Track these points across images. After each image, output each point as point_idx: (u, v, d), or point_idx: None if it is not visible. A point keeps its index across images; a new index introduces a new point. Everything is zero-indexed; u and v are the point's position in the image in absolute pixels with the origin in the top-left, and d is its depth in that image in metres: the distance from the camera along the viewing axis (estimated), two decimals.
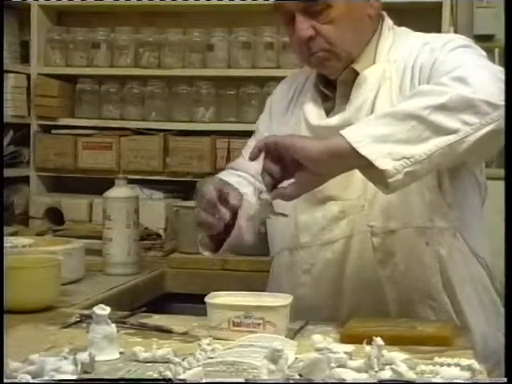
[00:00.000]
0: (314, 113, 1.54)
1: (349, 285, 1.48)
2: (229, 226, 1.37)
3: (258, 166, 1.38)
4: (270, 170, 1.31)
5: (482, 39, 2.90)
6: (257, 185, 1.49)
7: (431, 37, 1.54)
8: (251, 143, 1.66)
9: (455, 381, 0.98)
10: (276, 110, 1.66)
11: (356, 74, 1.51)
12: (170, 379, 0.94)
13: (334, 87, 1.54)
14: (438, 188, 1.46)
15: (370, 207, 1.45)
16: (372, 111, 1.46)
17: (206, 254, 1.46)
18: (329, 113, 1.53)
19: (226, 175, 1.60)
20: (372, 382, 0.95)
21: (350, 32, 1.49)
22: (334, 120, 1.50)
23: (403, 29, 1.59)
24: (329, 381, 0.96)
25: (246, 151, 1.64)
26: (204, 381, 0.94)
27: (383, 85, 1.49)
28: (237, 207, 1.31)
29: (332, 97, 1.55)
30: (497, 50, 2.91)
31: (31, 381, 0.95)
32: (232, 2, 2.86)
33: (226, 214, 1.31)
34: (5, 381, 0.93)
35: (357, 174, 1.37)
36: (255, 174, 1.50)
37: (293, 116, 1.60)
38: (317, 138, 1.35)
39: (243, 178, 1.56)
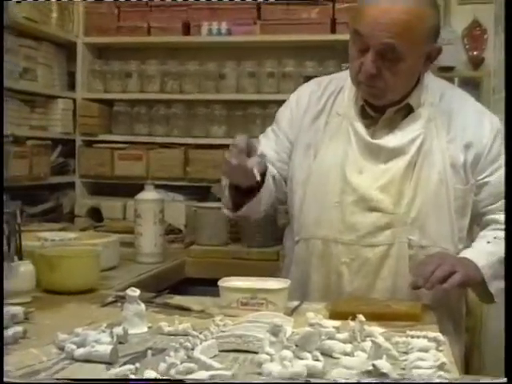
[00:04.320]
0: (363, 130, 1.48)
1: (382, 283, 1.45)
2: (251, 191, 1.39)
3: (273, 153, 1.56)
4: (429, 273, 1.33)
5: (445, 70, 2.89)
6: (270, 169, 1.54)
7: (451, 89, 1.58)
8: (268, 132, 1.62)
9: (455, 381, 0.91)
10: (303, 115, 1.56)
11: (406, 106, 1.48)
12: (169, 379, 0.86)
13: (375, 109, 1.49)
14: (465, 219, 1.48)
15: (412, 223, 1.44)
16: (421, 144, 1.45)
17: (227, 213, 1.48)
18: (367, 128, 1.48)
19: None
20: (375, 382, 0.87)
21: (406, 83, 1.45)
22: (392, 142, 1.46)
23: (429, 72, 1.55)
24: (339, 380, 0.88)
25: (264, 138, 1.61)
26: (210, 381, 0.87)
27: (429, 124, 1.47)
28: (262, 166, 1.34)
29: (373, 116, 1.49)
30: (456, 79, 2.91)
31: (31, 381, 0.89)
32: (240, 39, 2.86)
33: (251, 162, 1.32)
34: (5, 380, 0.87)
35: (407, 195, 1.43)
36: (271, 160, 1.55)
37: (328, 125, 1.52)
38: (466, 265, 1.39)
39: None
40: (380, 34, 1.35)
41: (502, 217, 1.46)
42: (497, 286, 1.42)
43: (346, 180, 1.46)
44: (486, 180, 1.48)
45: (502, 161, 1.48)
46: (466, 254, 1.43)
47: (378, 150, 1.47)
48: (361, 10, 1.39)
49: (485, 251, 1.43)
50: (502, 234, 1.44)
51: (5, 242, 1.42)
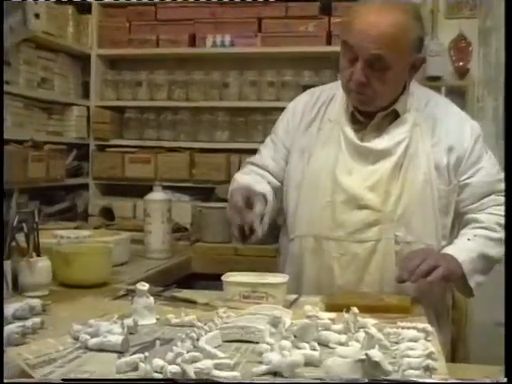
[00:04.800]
0: (352, 134, 1.48)
1: (370, 277, 1.45)
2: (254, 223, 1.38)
3: (272, 163, 1.57)
4: (414, 267, 1.33)
5: (433, 79, 2.89)
6: (270, 179, 1.56)
7: (435, 96, 1.56)
8: (268, 141, 1.63)
9: (455, 381, 0.86)
10: (298, 122, 1.56)
11: (393, 111, 1.48)
12: (171, 379, 0.84)
13: (364, 115, 1.48)
14: (448, 218, 1.49)
15: (398, 221, 1.44)
16: (407, 147, 1.46)
17: (239, 245, 1.48)
18: (356, 133, 1.48)
19: (247, 172, 1.60)
20: (387, 382, 0.82)
21: (393, 90, 1.45)
22: (379, 145, 1.46)
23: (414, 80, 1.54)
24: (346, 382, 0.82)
25: (264, 148, 1.62)
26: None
27: (414, 129, 1.47)
28: (261, 211, 1.34)
29: (362, 122, 1.49)
30: (443, 88, 2.92)
31: (31, 381, 0.86)
32: (242, 51, 2.86)
33: (251, 218, 1.33)
34: (5, 381, 0.84)
35: (393, 194, 1.43)
36: (270, 169, 1.58)
37: (321, 131, 1.53)
38: (448, 260, 1.39)
39: (261, 176, 1.57)
40: (368, 45, 1.35)
41: (481, 216, 1.47)
42: (476, 280, 1.43)
43: (337, 181, 1.47)
44: (467, 181, 1.49)
45: (482, 163, 1.49)
46: (448, 250, 1.43)
47: (366, 153, 1.47)
48: (350, 23, 1.40)
49: (465, 248, 1.44)
50: (481, 231, 1.46)
51: (24, 239, 1.42)
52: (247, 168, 1.64)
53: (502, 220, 1.44)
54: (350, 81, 1.41)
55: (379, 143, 1.47)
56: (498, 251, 1.44)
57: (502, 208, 1.45)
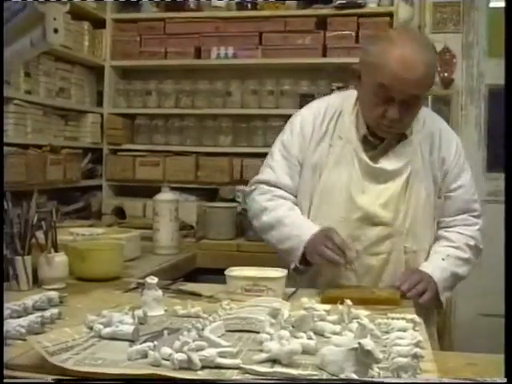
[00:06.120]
0: (365, 156, 1.47)
1: (382, 284, 1.45)
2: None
3: (289, 180, 1.52)
4: (413, 284, 1.38)
5: None
6: (289, 197, 1.53)
7: (429, 114, 1.57)
8: (278, 157, 1.54)
9: (455, 381, 0.84)
10: (309, 139, 1.52)
11: (401, 134, 1.48)
12: (172, 379, 0.81)
13: (377, 137, 1.48)
14: (436, 226, 1.51)
15: (406, 234, 1.46)
16: (413, 166, 1.47)
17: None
18: (366, 152, 1.48)
19: (269, 199, 1.52)
20: (388, 382, 0.80)
21: (415, 117, 1.47)
22: (390, 166, 1.47)
23: None
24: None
25: (277, 166, 1.54)
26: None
27: (417, 148, 1.49)
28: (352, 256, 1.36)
29: (373, 143, 1.48)
30: (430, 97, 2.92)
31: (31, 381, 0.83)
32: (244, 62, 2.86)
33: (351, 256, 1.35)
34: (5, 381, 0.82)
35: (401, 209, 1.46)
36: (288, 187, 1.53)
37: (332, 148, 1.50)
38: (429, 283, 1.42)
39: (283, 198, 1.52)
40: (407, 88, 1.36)
41: (452, 236, 1.50)
42: (446, 296, 1.47)
43: (352, 199, 1.46)
44: (448, 195, 1.52)
45: (462, 181, 1.52)
46: (427, 268, 1.46)
47: (378, 173, 1.47)
48: (385, 65, 1.36)
49: (440, 267, 1.46)
50: (453, 252, 1.49)
51: (43, 236, 1.42)
52: (264, 189, 1.55)
53: (470, 241, 1.50)
54: (384, 118, 1.41)
55: (390, 164, 1.48)
56: (465, 270, 1.50)
57: (471, 229, 1.52)
